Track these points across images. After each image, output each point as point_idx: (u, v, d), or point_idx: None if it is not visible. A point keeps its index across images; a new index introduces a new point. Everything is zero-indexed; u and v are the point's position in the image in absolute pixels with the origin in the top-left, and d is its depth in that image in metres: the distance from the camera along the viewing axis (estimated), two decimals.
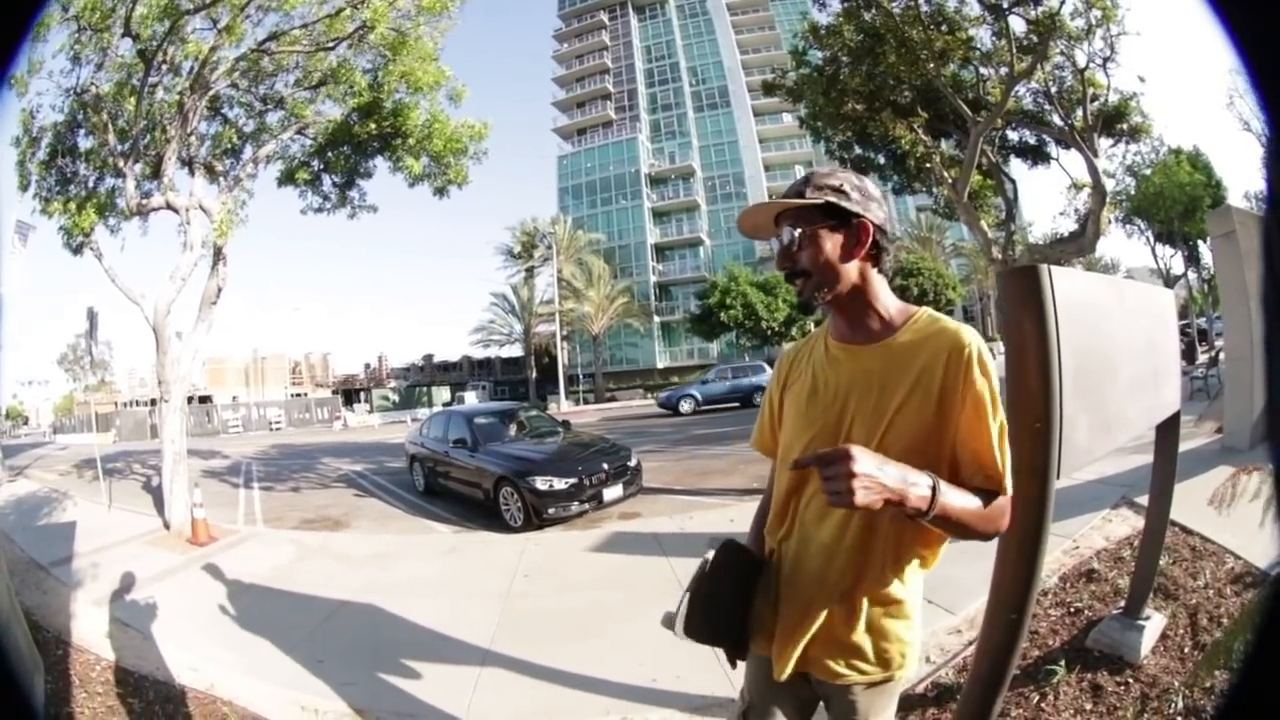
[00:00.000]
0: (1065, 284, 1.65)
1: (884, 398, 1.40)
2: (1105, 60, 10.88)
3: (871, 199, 1.46)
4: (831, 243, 1.44)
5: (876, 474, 1.18)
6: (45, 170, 9.65)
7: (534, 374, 50.79)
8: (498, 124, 11.16)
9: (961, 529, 1.32)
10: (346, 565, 6.96)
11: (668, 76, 61.56)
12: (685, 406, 25.53)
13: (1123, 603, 3.43)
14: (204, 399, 53.50)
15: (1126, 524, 5.14)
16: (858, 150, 13.89)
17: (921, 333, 1.42)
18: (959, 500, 1.29)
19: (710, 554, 1.50)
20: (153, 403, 46.62)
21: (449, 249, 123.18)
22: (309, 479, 14.33)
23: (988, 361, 1.35)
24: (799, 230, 1.46)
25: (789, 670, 1.51)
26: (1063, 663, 3.14)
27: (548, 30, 69.18)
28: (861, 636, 1.47)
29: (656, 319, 53.86)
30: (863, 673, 1.49)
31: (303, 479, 14.37)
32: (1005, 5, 10.80)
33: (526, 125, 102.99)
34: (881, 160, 13.88)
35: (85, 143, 9.80)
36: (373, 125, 10.22)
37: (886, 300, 1.50)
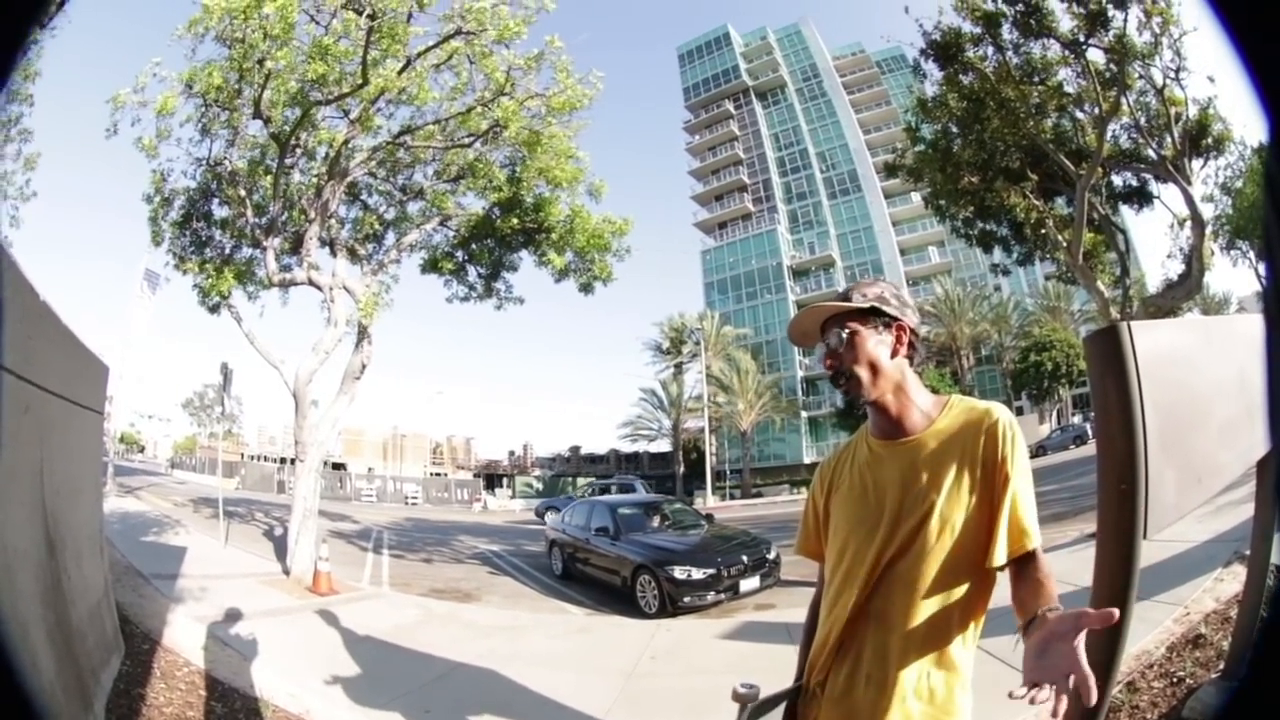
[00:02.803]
0: (1147, 339, 1.66)
1: (930, 484, 1.49)
2: (1178, 71, 10.82)
3: (907, 305, 1.63)
4: (877, 343, 1.57)
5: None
6: (179, 230, 10.45)
7: (682, 469, 50.19)
8: (641, 220, 11.40)
9: None
10: (472, 632, 7.00)
11: (799, 164, 61.84)
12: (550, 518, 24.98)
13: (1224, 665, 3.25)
14: (338, 466, 55.15)
15: (1238, 581, 4.57)
16: (980, 225, 13.77)
17: (958, 417, 1.54)
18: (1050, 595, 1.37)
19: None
20: (281, 460, 49.13)
21: (597, 343, 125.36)
22: (442, 552, 14.66)
23: (1018, 433, 1.49)
24: (847, 332, 1.57)
25: None
26: None
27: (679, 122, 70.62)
28: (920, 694, 1.47)
29: (804, 414, 52.82)
30: None
31: (436, 551, 14.72)
32: (1082, 39, 10.91)
33: (669, 220, 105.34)
34: (1004, 231, 13.69)
35: (220, 211, 10.59)
36: (515, 220, 10.58)
37: (922, 395, 1.61)
